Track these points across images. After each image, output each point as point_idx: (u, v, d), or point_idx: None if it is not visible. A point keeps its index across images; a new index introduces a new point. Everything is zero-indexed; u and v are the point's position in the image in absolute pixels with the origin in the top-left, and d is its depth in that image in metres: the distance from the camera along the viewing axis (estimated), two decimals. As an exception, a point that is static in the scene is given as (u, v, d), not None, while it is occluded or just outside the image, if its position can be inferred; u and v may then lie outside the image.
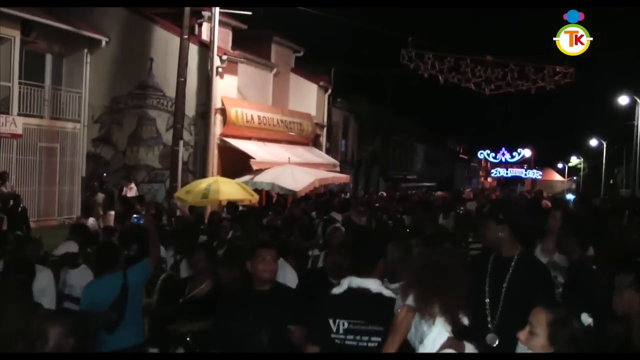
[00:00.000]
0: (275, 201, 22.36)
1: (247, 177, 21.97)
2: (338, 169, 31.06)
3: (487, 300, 5.13)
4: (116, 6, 25.35)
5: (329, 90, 34.34)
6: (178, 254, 9.10)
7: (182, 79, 21.92)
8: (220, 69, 24.25)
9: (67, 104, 25.10)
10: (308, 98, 32.60)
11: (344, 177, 28.70)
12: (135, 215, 15.24)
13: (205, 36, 24.96)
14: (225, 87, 25.02)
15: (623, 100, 43.78)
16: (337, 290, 4.73)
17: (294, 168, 23.11)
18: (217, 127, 24.61)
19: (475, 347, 3.80)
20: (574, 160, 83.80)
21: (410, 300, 3.74)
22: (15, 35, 22.34)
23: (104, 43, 25.39)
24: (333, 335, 4.57)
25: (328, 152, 33.93)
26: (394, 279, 5.10)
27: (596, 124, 62.85)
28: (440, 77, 24.95)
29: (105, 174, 25.25)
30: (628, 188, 44.89)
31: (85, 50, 25.39)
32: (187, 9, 21.87)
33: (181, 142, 22.34)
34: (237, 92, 26.28)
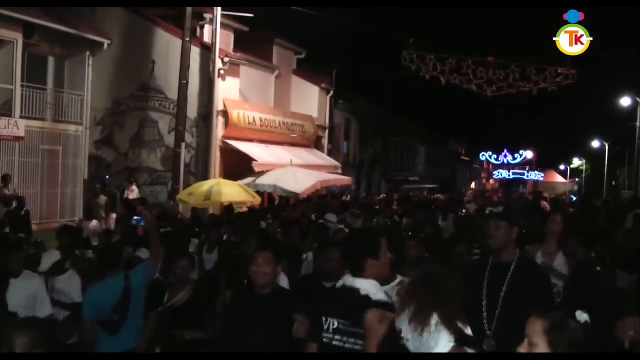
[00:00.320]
0: (277, 203, 22.36)
1: (249, 180, 21.98)
2: (340, 170, 31.08)
3: (485, 305, 5.03)
4: (118, 6, 25.38)
5: (331, 92, 34.37)
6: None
7: (184, 81, 21.97)
8: (222, 71, 24.29)
9: (70, 107, 25.10)
10: (310, 100, 32.63)
11: (346, 179, 28.70)
12: (135, 217, 15.24)
13: (207, 38, 24.99)
14: (227, 90, 25.04)
15: (625, 101, 43.71)
16: (335, 286, 4.70)
17: (296, 170, 23.10)
18: (219, 129, 24.65)
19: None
20: (576, 162, 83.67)
21: (408, 313, 3.72)
22: (18, 38, 22.36)
23: (106, 45, 25.40)
24: (323, 334, 4.52)
25: (330, 154, 33.95)
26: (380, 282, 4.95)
27: (598, 125, 62.77)
28: (442, 79, 24.95)
29: (107, 177, 25.27)
30: (630, 189, 44.86)
31: (88, 53, 25.40)
32: (189, 12, 21.91)
33: (183, 145, 22.38)
34: (239, 94, 26.31)
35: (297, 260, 8.99)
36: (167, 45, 24.86)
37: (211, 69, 23.79)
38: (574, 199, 35.69)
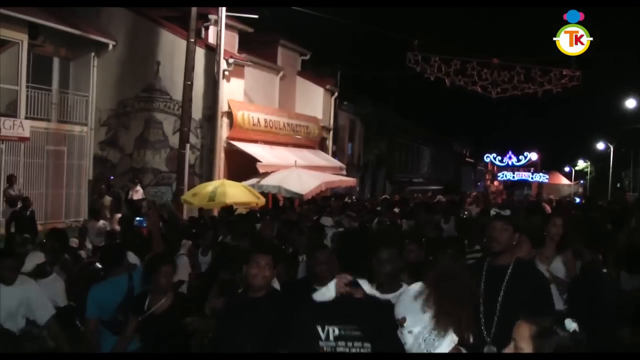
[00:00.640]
0: (282, 204, 22.36)
1: (253, 180, 22.00)
2: (344, 172, 31.10)
3: (482, 310, 4.83)
4: (123, 6, 25.43)
5: (335, 94, 34.39)
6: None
7: (189, 82, 22.00)
8: (226, 72, 24.32)
9: (74, 107, 25.16)
10: (314, 101, 32.64)
11: (350, 181, 28.70)
12: (138, 218, 15.29)
13: (211, 39, 25.01)
14: (231, 90, 25.07)
15: (630, 103, 43.61)
16: (324, 295, 4.50)
17: (300, 171, 23.11)
18: (223, 130, 24.68)
19: None
20: (581, 164, 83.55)
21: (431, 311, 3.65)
22: (23, 38, 22.40)
23: (110, 46, 25.45)
24: (322, 343, 4.37)
25: (334, 155, 33.98)
26: (384, 290, 4.77)
27: (603, 127, 62.61)
28: (446, 80, 24.94)
29: (111, 177, 25.31)
30: (635, 191, 44.79)
31: (92, 54, 25.46)
32: (194, 13, 21.94)
33: (188, 145, 22.42)
34: (244, 95, 26.34)
35: (293, 263, 8.91)
36: (171, 46, 24.89)
37: (216, 70, 23.81)
38: (578, 201, 35.60)
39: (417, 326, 3.59)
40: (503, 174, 76.53)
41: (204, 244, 10.64)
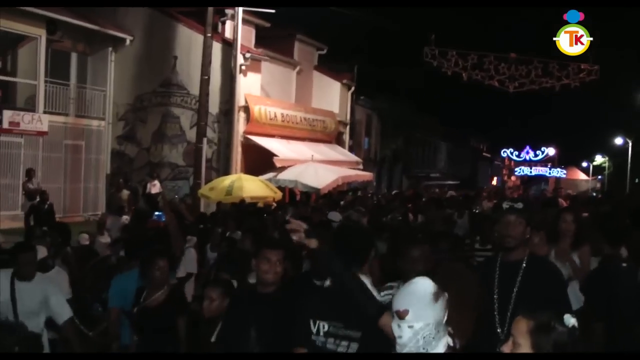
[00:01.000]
0: (298, 199, 22.38)
1: (270, 175, 22.02)
2: (361, 166, 31.07)
3: (497, 307, 4.79)
4: (139, 6, 25.50)
5: (352, 88, 34.33)
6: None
7: (206, 77, 22.04)
8: (243, 67, 24.35)
9: (92, 102, 25.33)
10: (331, 96, 32.63)
11: (367, 175, 28.66)
12: (156, 213, 15.36)
13: (228, 34, 25.04)
14: (248, 85, 25.11)
15: (648, 98, 43.35)
16: (324, 285, 4.48)
17: (317, 166, 23.12)
18: (240, 124, 24.72)
19: None
20: (599, 159, 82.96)
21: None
22: (41, 34, 22.57)
23: (128, 41, 25.59)
24: (314, 337, 4.31)
25: (351, 149, 33.95)
26: (384, 288, 4.64)
27: (621, 122, 61.94)
28: (463, 75, 24.83)
29: (128, 172, 25.43)
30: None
31: (110, 49, 25.61)
32: (210, 7, 21.96)
33: (205, 140, 22.47)
34: (261, 89, 26.37)
35: (299, 258, 8.83)
36: (188, 41, 24.95)
37: (232, 65, 23.85)
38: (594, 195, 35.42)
39: (420, 322, 3.41)
40: (520, 169, 76.16)
41: (213, 241, 10.61)
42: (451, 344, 3.41)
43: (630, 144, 59.90)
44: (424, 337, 3.38)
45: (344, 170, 25.61)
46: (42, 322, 6.45)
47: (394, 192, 28.85)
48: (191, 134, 24.12)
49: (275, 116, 26.18)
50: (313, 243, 4.13)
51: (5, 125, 21.16)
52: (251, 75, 25.23)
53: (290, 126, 27.21)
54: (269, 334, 4.71)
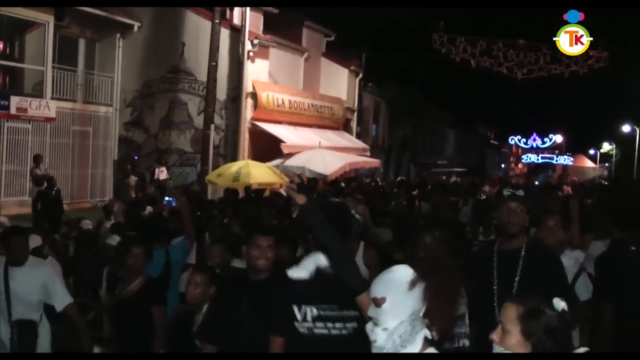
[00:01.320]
0: (306, 185, 22.32)
1: (277, 161, 21.99)
2: (368, 153, 31.05)
3: (496, 297, 4.66)
4: (144, 7, 25.49)
5: (360, 75, 34.26)
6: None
7: (214, 63, 21.99)
8: (251, 53, 24.31)
9: (100, 88, 25.32)
10: (339, 82, 32.55)
11: (374, 162, 28.63)
12: (167, 198, 15.38)
13: (236, 20, 24.96)
14: (256, 71, 25.06)
15: (657, 85, 43.15)
16: (300, 273, 4.31)
17: (324, 152, 23.06)
18: (248, 111, 24.70)
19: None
20: (606, 147, 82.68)
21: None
22: (49, 20, 22.52)
23: (136, 28, 25.55)
24: (297, 324, 4.23)
25: (358, 136, 33.89)
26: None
27: (628, 109, 61.64)
28: (472, 62, 24.81)
29: (136, 157, 25.45)
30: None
31: (118, 35, 25.59)
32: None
33: (212, 126, 22.45)
34: (268, 76, 26.32)
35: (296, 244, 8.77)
36: (196, 28, 24.89)
37: (240, 51, 23.82)
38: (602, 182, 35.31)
39: (395, 319, 3.21)
40: (527, 157, 75.94)
41: (212, 228, 10.52)
42: (429, 337, 3.28)
43: (638, 132, 59.68)
44: (400, 336, 3.23)
45: (351, 157, 25.58)
46: (37, 308, 6.39)
47: (398, 179, 28.73)
48: (199, 121, 24.09)
49: (283, 103, 26.14)
50: (301, 199, 4.00)
51: (13, 111, 21.15)
52: (259, 61, 25.17)
53: (297, 113, 27.17)
54: (262, 322, 4.54)
